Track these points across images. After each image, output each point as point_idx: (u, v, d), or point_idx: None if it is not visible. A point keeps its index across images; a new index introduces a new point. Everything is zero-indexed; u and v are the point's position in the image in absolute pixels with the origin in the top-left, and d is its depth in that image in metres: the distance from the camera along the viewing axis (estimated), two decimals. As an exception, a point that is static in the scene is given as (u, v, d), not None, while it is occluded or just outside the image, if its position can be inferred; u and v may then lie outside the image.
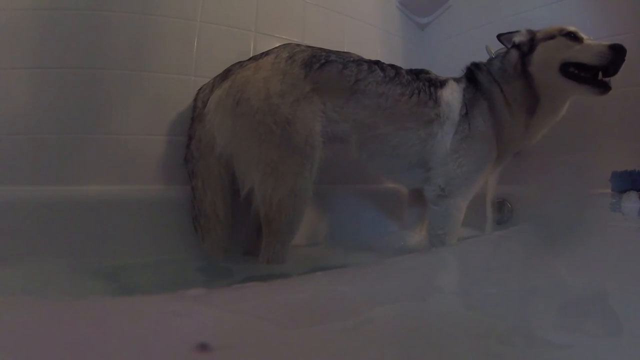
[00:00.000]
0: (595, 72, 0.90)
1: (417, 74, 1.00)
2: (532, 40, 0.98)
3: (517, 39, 1.00)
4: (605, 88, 0.90)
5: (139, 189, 0.99)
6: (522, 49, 0.99)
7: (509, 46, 1.02)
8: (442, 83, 1.00)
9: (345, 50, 1.03)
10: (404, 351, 0.17)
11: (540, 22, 1.09)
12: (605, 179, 1.02)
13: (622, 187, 0.97)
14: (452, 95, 0.98)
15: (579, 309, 0.24)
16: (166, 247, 0.96)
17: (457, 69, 1.08)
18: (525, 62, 0.97)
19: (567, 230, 0.36)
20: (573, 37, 0.92)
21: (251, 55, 1.01)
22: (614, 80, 0.91)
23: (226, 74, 0.95)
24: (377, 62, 0.98)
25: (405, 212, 1.24)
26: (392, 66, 0.99)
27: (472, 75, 1.03)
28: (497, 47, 1.20)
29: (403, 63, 1.06)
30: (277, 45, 0.99)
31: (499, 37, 1.05)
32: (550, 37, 0.95)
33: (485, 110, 0.98)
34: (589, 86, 0.90)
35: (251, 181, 0.90)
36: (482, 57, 1.16)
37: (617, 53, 0.86)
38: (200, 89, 0.99)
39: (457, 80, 1.03)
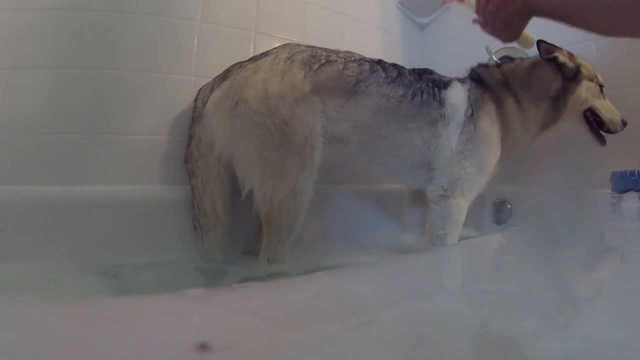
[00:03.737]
0: (600, 124, 1.02)
1: (421, 75, 0.99)
2: (577, 70, 0.99)
3: (562, 59, 0.99)
4: (604, 144, 1.03)
5: (139, 189, 0.99)
6: (563, 72, 0.99)
7: (544, 56, 1.00)
8: (445, 84, 0.99)
9: (346, 50, 1.03)
10: (405, 351, 0.17)
11: (539, 24, 1.09)
12: (605, 179, 1.02)
13: (622, 188, 0.97)
14: (456, 96, 0.98)
15: (579, 309, 0.24)
16: (166, 247, 0.96)
17: (457, 69, 1.08)
18: (566, 88, 0.99)
19: (567, 230, 0.36)
20: (601, 90, 1.03)
21: (251, 55, 1.01)
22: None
23: (226, 74, 0.94)
24: (379, 62, 0.98)
25: (405, 212, 1.24)
26: (395, 66, 0.99)
27: (478, 77, 1.02)
28: (496, 47, 1.20)
29: (403, 63, 1.06)
30: (277, 45, 0.99)
31: (540, 42, 0.99)
32: (591, 79, 1.01)
33: (493, 113, 0.98)
34: (595, 137, 1.02)
35: (251, 182, 0.90)
36: (482, 58, 1.16)
37: (623, 126, 1.01)
38: (200, 89, 0.99)
39: (461, 81, 1.02)
